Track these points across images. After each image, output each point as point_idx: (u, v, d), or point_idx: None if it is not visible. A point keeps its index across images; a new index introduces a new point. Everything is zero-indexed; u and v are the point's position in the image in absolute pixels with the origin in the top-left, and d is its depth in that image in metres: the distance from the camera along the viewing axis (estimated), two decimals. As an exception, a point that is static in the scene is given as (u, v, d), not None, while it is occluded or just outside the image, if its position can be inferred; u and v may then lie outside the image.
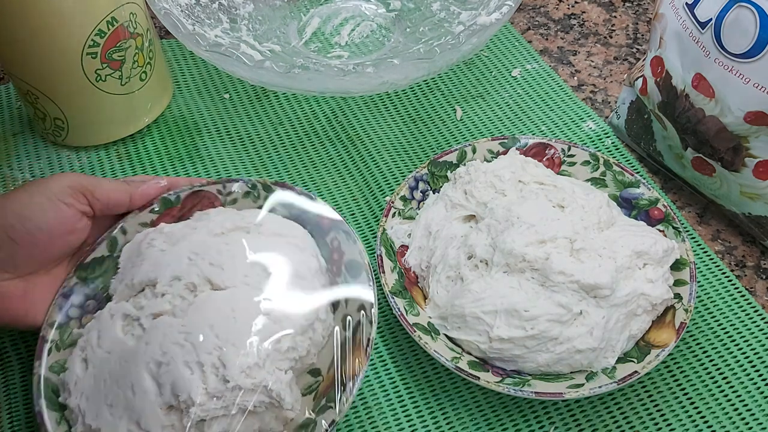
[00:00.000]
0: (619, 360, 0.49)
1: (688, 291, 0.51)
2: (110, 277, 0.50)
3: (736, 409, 0.50)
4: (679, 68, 0.56)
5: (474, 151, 0.59)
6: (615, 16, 0.78)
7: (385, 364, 0.52)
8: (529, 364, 0.48)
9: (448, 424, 0.50)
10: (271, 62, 0.55)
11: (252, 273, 0.46)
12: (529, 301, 0.48)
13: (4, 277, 0.46)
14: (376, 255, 0.52)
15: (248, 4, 0.71)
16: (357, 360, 0.45)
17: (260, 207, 0.52)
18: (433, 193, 0.58)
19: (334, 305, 0.48)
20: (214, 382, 0.42)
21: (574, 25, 0.77)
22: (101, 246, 0.51)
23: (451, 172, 0.58)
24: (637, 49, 0.75)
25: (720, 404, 0.50)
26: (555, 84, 0.71)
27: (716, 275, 0.57)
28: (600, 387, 0.47)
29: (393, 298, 0.50)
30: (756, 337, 0.54)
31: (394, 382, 0.51)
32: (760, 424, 0.50)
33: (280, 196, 0.52)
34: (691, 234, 0.60)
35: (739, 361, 0.52)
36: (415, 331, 0.49)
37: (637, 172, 0.61)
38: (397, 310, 0.50)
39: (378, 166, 0.64)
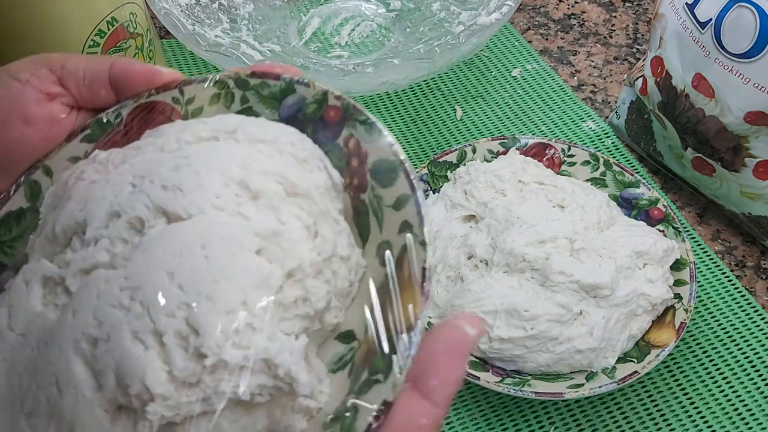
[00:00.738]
0: (619, 360, 0.49)
1: (688, 291, 0.51)
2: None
3: (736, 409, 0.50)
4: (679, 68, 0.56)
5: (474, 151, 0.59)
6: (615, 16, 0.78)
7: (385, 364, 0.52)
8: (529, 364, 0.48)
9: (447, 424, 0.50)
10: (271, 62, 0.55)
11: (227, 193, 0.29)
12: (529, 301, 0.48)
13: None
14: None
15: (248, 4, 0.71)
16: (410, 303, 0.28)
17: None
18: (433, 193, 0.58)
19: (362, 233, 0.32)
20: (182, 359, 0.26)
21: (574, 25, 0.77)
22: (17, 195, 0.34)
23: (451, 172, 0.58)
24: (637, 49, 0.75)
25: (720, 404, 0.51)
26: (555, 84, 0.71)
27: (716, 275, 0.57)
28: (600, 387, 0.47)
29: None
30: (756, 337, 0.54)
31: (394, 382, 0.51)
32: (760, 424, 0.50)
33: (259, 88, 0.35)
34: (691, 234, 0.60)
35: (739, 361, 0.52)
36: (415, 331, 0.49)
37: (637, 172, 0.61)
38: (397, 310, 0.50)
39: (378, 166, 0.64)
